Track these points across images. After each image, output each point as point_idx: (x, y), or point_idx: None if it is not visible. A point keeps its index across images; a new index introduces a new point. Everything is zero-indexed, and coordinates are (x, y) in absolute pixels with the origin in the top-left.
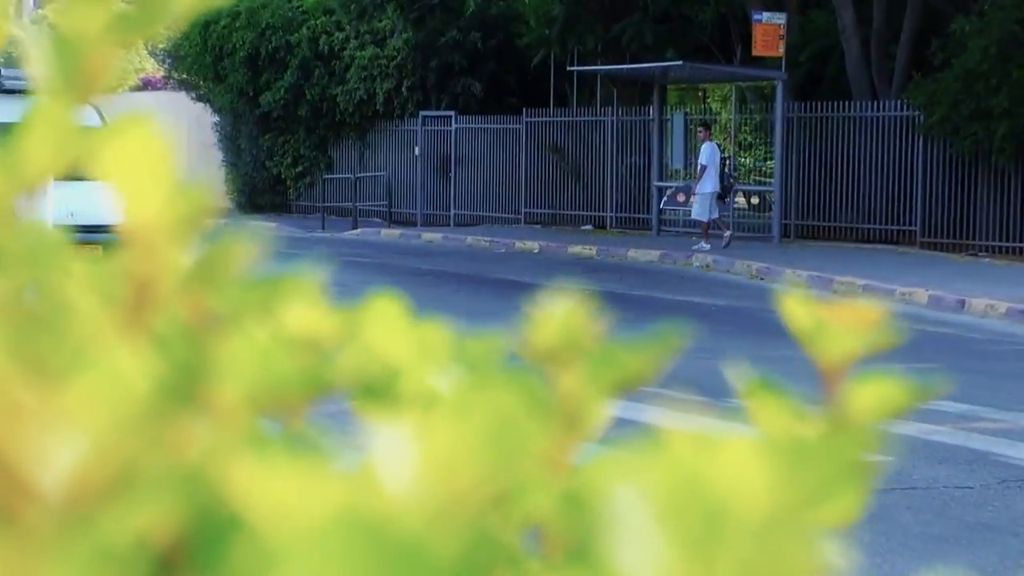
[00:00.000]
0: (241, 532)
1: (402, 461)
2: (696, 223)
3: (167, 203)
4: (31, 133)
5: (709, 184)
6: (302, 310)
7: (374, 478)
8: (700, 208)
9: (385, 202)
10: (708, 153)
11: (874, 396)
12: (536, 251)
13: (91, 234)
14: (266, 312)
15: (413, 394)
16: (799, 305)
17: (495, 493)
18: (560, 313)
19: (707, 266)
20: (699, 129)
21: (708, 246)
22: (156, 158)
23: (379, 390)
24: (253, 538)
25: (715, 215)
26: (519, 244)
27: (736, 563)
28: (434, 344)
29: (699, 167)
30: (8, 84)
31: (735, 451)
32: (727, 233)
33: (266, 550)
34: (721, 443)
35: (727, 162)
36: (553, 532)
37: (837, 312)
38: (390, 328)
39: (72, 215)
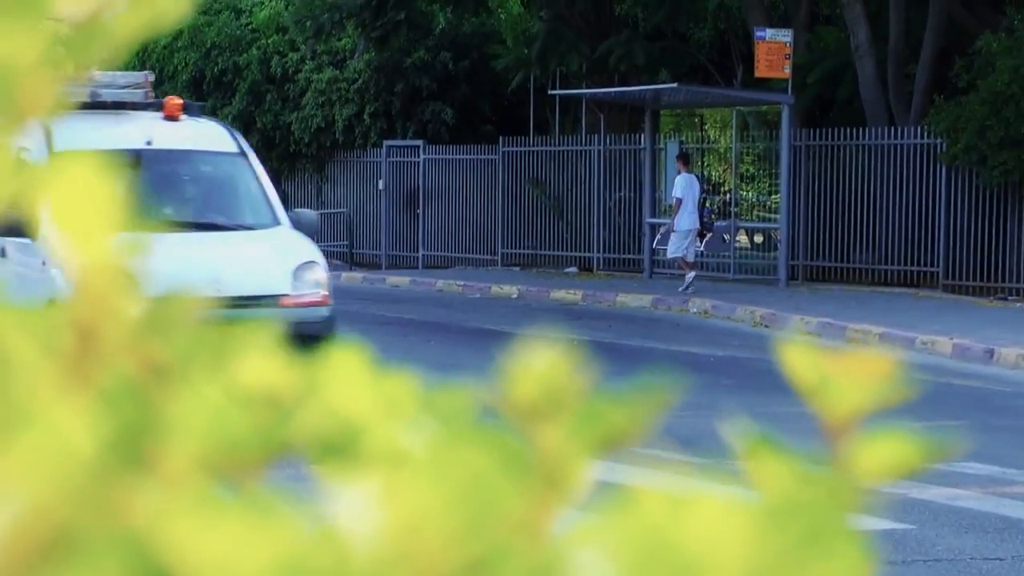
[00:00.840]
0: None
1: (362, 522)
2: (675, 262)
3: (114, 247)
4: None
5: (687, 220)
6: (257, 363)
7: (328, 538)
8: (675, 244)
9: (346, 242)
10: (683, 185)
11: (882, 455)
12: (515, 296)
13: (245, 309)
14: (218, 365)
15: (377, 453)
16: (801, 355)
17: (466, 559)
18: (540, 364)
19: (705, 312)
20: (677, 160)
21: (693, 273)
22: (102, 198)
23: (340, 449)
24: None
25: (687, 254)
26: (496, 288)
27: None
28: (400, 399)
29: (674, 200)
30: (107, 95)
31: (709, 510)
32: (691, 274)
33: None
34: (695, 502)
35: (723, 196)
36: None
37: (843, 363)
38: (352, 382)
39: (218, 284)
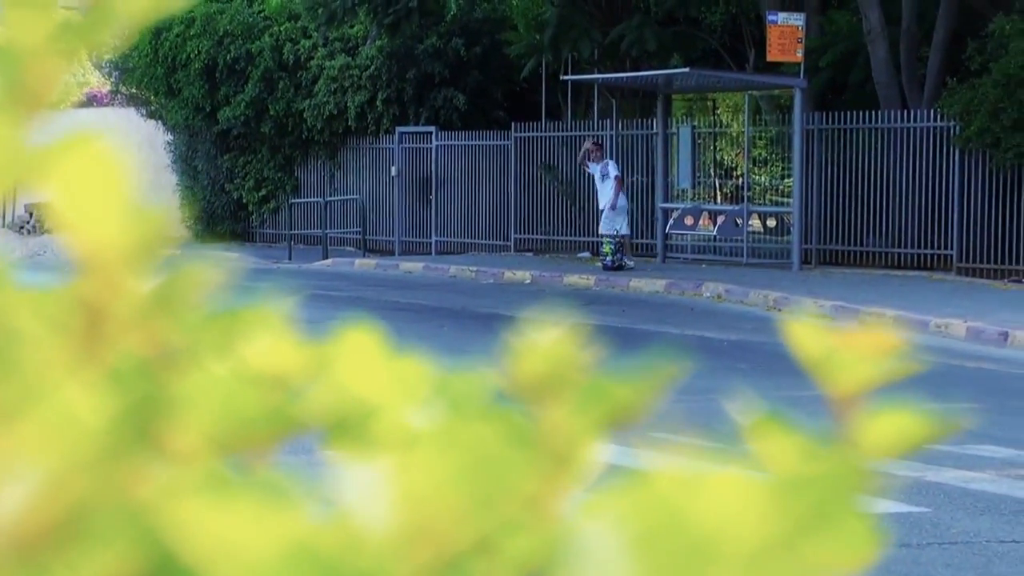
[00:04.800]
0: None
1: (372, 500)
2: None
3: (123, 226)
4: None
5: (604, 199)
6: (267, 343)
7: (336, 517)
8: (612, 222)
9: (359, 229)
10: (614, 165)
11: (889, 429)
12: (528, 281)
13: None
14: (228, 345)
15: (388, 433)
16: (806, 331)
17: (476, 535)
18: (546, 343)
19: (719, 296)
20: (595, 147)
21: (631, 263)
22: (110, 177)
23: (351, 429)
24: None
25: (623, 231)
26: (508, 274)
27: None
28: (412, 379)
29: (614, 179)
30: None
31: (719, 487)
32: (615, 256)
33: None
34: (704, 479)
35: (736, 180)
36: None
37: (849, 339)
38: (364, 362)
39: None
